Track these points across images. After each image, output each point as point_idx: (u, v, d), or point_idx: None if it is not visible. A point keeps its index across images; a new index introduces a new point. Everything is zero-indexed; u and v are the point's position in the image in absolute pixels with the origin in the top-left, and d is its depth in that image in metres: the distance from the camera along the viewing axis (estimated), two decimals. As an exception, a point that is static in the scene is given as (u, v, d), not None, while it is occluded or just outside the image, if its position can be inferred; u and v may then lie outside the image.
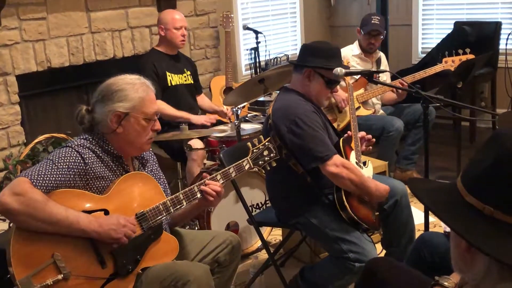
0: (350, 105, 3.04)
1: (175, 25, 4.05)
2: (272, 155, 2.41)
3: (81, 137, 2.19)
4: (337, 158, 2.58)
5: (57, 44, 3.98)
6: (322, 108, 2.85)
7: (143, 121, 2.19)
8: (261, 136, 2.46)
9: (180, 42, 4.09)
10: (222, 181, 2.30)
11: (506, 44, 5.01)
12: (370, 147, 2.90)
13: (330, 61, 2.66)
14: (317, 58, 2.68)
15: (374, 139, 2.89)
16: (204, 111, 4.44)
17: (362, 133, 2.85)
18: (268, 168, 2.42)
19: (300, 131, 2.58)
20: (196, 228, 3.35)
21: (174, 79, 4.08)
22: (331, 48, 2.75)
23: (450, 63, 4.14)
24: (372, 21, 4.32)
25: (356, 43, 4.45)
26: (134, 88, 2.18)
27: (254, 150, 2.39)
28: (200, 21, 5.02)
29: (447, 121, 5.64)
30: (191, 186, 2.26)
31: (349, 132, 2.83)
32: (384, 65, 4.56)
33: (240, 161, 2.36)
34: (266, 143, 2.41)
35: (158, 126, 2.27)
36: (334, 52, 2.74)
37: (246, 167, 2.36)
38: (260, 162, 2.38)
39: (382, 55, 4.55)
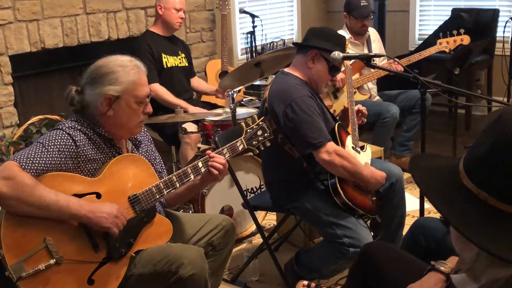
0: (348, 88, 3.02)
1: (176, 6, 4.01)
2: (266, 134, 2.38)
3: (72, 119, 2.15)
4: (330, 145, 2.56)
5: (51, 25, 3.93)
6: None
7: (135, 104, 2.16)
8: (255, 116, 2.43)
9: (177, 24, 4.05)
10: (229, 155, 2.29)
11: (504, 31, 4.99)
12: (364, 119, 2.89)
13: (336, 48, 2.63)
14: (325, 41, 2.67)
15: (366, 111, 2.89)
16: (200, 94, 4.41)
17: (358, 106, 2.84)
18: (262, 148, 2.39)
19: (295, 116, 2.56)
20: (191, 211, 3.34)
21: (169, 61, 4.04)
22: (339, 36, 2.77)
23: (444, 44, 4.09)
24: (362, 4, 4.26)
25: (345, 27, 4.40)
26: (125, 70, 2.13)
27: (248, 130, 2.36)
28: (196, 3, 4.97)
29: (442, 108, 5.63)
30: (194, 162, 2.24)
31: (345, 105, 2.83)
32: (374, 39, 4.49)
33: (234, 142, 2.34)
34: (260, 123, 2.37)
35: (149, 109, 2.22)
36: (341, 41, 2.74)
37: (240, 148, 2.34)
38: (254, 142, 2.36)
39: (370, 31, 4.47)
